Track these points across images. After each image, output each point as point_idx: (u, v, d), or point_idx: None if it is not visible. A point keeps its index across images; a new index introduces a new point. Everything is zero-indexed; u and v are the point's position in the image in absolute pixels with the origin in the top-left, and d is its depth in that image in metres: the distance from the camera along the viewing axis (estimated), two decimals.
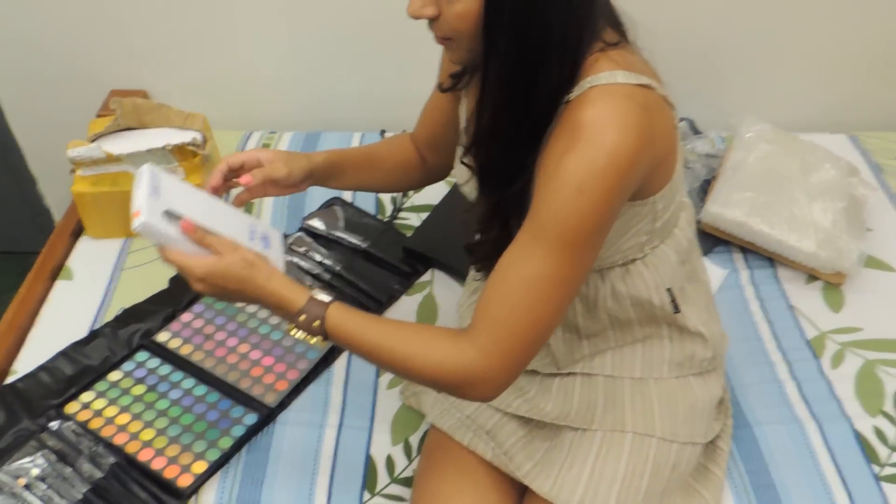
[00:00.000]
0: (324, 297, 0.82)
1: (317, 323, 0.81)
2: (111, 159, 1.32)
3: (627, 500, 0.91)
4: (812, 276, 1.33)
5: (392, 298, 1.28)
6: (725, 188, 1.37)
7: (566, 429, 0.97)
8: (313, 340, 0.82)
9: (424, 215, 1.44)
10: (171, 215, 0.81)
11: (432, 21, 0.77)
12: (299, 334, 0.82)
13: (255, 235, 0.89)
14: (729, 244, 1.39)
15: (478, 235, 0.89)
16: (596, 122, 0.72)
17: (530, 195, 0.78)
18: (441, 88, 0.97)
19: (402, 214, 1.46)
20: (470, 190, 0.93)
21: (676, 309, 0.93)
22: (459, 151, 0.94)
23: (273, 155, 0.95)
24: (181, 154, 1.33)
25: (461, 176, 0.95)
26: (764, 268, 1.36)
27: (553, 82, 0.75)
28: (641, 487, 0.92)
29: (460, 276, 1.29)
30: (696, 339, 0.96)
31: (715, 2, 1.56)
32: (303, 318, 0.81)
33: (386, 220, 1.44)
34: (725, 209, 1.34)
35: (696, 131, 1.57)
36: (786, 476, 1.04)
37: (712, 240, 1.38)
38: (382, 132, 1.65)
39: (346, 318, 0.81)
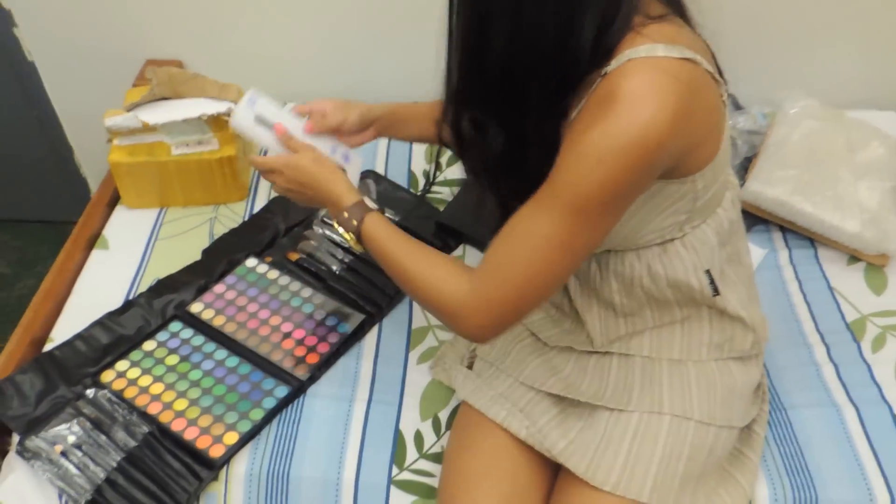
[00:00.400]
0: (371, 204, 0.93)
1: (354, 223, 0.92)
2: (147, 129, 1.33)
3: (664, 482, 0.90)
4: (854, 258, 1.30)
5: None
6: (767, 165, 1.33)
7: (601, 409, 0.96)
8: (349, 237, 0.94)
9: (457, 190, 1.42)
10: (261, 121, 1.01)
11: None
12: (340, 229, 0.95)
13: (337, 152, 1.05)
14: (768, 223, 1.35)
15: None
16: (629, 96, 0.70)
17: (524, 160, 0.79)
18: None
19: (434, 188, 1.45)
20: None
21: (716, 291, 0.91)
22: None
23: (332, 105, 1.05)
24: (216, 124, 1.33)
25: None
26: (804, 248, 1.32)
27: (504, 46, 0.73)
28: (679, 470, 0.91)
29: (484, 247, 1.28)
30: (736, 323, 0.94)
31: None
32: (345, 214, 0.93)
33: (419, 193, 1.43)
34: (766, 187, 1.30)
35: (737, 106, 1.53)
36: (821, 461, 1.02)
37: (752, 218, 1.35)
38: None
39: (378, 228, 0.91)
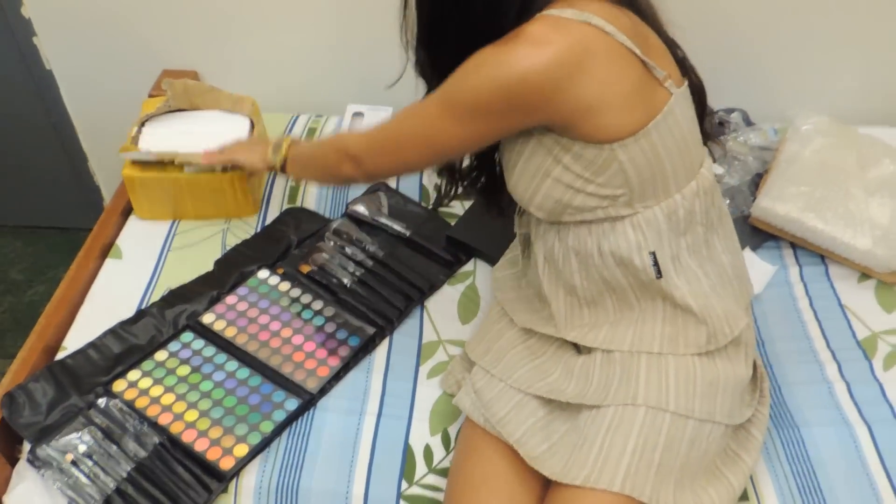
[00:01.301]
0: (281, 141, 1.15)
1: (278, 157, 1.14)
2: (161, 157, 1.33)
3: (638, 472, 0.90)
4: (865, 275, 1.29)
5: (434, 287, 1.28)
6: (779, 182, 1.33)
7: (584, 409, 0.97)
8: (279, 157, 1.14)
9: (468, 204, 1.43)
10: None
11: None
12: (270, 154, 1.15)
13: None
14: (779, 239, 1.35)
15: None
16: (522, 36, 0.81)
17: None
18: None
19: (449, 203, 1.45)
20: None
21: (659, 274, 0.92)
22: None
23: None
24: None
25: None
26: (815, 265, 1.32)
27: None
28: (654, 460, 0.90)
29: (494, 260, 1.28)
30: (689, 316, 0.95)
31: None
32: (270, 155, 1.15)
33: (430, 207, 1.43)
34: (777, 203, 1.30)
35: (748, 122, 1.53)
36: (834, 480, 1.02)
37: (762, 234, 1.35)
38: None
39: (295, 143, 1.14)
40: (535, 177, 0.91)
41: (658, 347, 0.95)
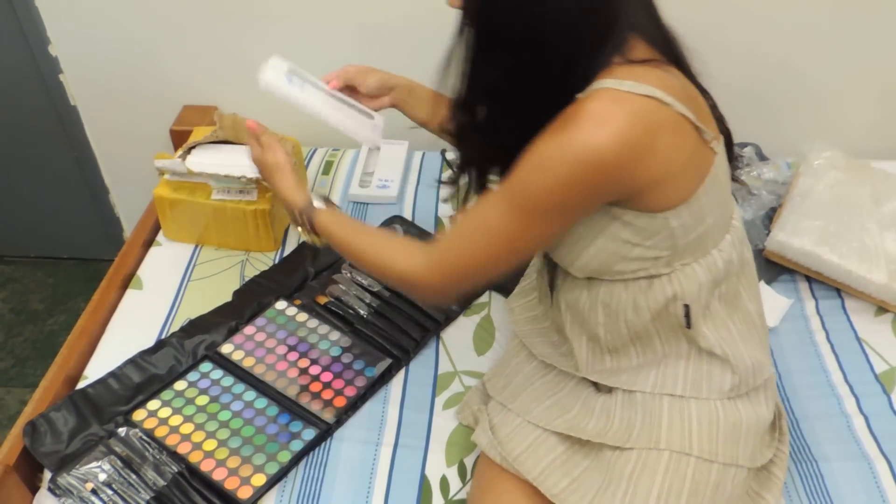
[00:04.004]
0: (318, 203, 1.03)
1: (306, 221, 1.03)
2: (191, 174, 1.37)
3: None
4: (881, 309, 1.29)
5: (449, 319, 1.29)
6: (793, 216, 1.34)
7: (606, 448, 0.96)
8: (306, 235, 1.05)
9: None
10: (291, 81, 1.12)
11: None
12: (298, 229, 1.06)
13: (358, 108, 1.15)
14: (794, 273, 1.35)
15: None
16: (585, 116, 0.77)
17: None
18: None
19: None
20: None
21: (688, 325, 0.92)
22: None
23: (355, 68, 1.16)
24: (257, 183, 1.37)
25: None
26: (831, 298, 1.32)
27: (505, 73, 0.80)
28: None
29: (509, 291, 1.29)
30: (714, 360, 0.94)
31: (784, 25, 1.53)
32: (297, 214, 1.04)
33: None
34: (793, 237, 1.31)
35: (762, 157, 1.54)
36: None
37: (777, 268, 1.35)
38: (443, 151, 1.67)
39: (331, 222, 1.02)
40: (579, 242, 0.89)
41: (681, 390, 0.95)
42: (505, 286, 1.32)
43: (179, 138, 1.64)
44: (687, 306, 0.90)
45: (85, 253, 2.09)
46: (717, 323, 0.94)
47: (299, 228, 1.05)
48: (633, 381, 0.96)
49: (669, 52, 0.85)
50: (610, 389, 0.99)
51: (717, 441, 0.93)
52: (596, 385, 1.01)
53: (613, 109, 0.76)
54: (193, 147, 1.41)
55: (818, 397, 1.16)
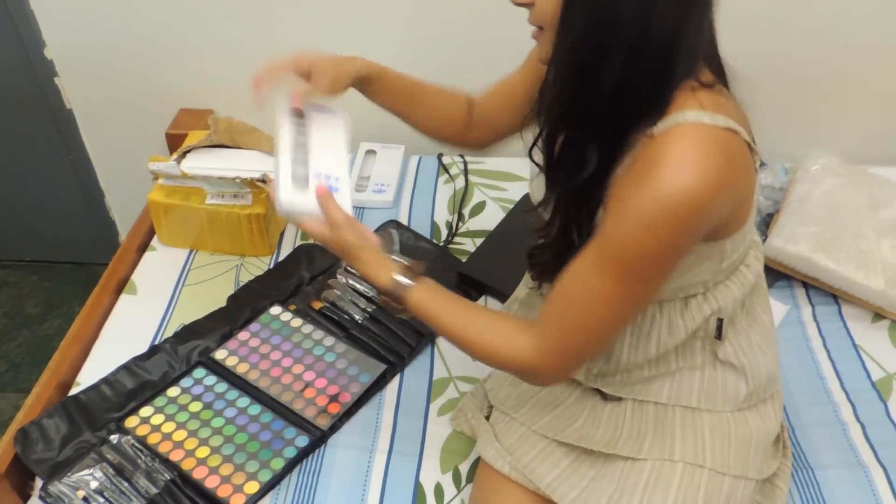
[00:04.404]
0: (406, 280, 0.91)
1: (399, 304, 0.92)
2: (185, 177, 1.36)
3: None
4: (878, 315, 1.29)
5: None
6: (790, 222, 1.33)
7: (615, 458, 0.96)
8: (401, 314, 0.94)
9: (479, 241, 1.44)
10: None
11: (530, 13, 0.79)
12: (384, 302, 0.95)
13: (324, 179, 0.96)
14: (791, 279, 1.35)
15: (540, 240, 0.91)
16: (676, 162, 0.72)
17: (597, 210, 0.80)
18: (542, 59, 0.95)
19: (457, 239, 1.46)
20: (537, 186, 0.94)
21: (719, 336, 0.91)
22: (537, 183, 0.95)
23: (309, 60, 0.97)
24: (251, 185, 1.37)
25: (531, 170, 0.95)
26: (827, 304, 1.31)
27: (621, 75, 0.74)
28: None
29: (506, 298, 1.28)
30: (728, 369, 0.93)
31: (781, 27, 1.53)
32: (386, 299, 0.93)
33: (441, 244, 1.45)
34: (789, 243, 1.30)
35: (759, 163, 1.53)
36: None
37: (774, 274, 1.34)
38: (440, 155, 1.66)
39: (424, 302, 0.91)
40: None
41: (696, 402, 0.94)
42: (501, 292, 1.32)
43: (175, 142, 1.63)
44: (721, 320, 0.90)
45: (80, 257, 2.08)
46: (739, 334, 0.93)
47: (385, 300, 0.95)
48: (647, 391, 0.95)
49: (718, 69, 0.82)
50: (618, 398, 0.98)
51: (729, 453, 0.92)
52: (602, 393, 0.99)
53: (703, 149, 0.73)
54: (188, 151, 1.41)
55: (815, 405, 1.16)
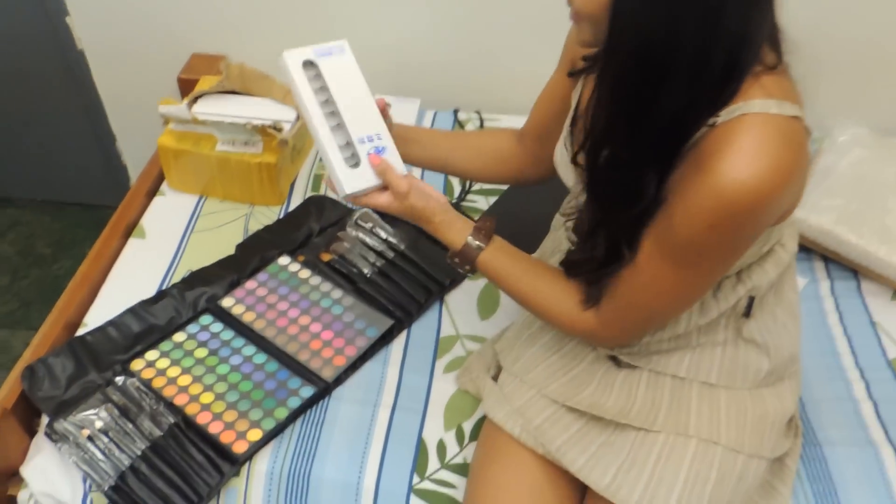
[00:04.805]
0: (476, 243, 0.92)
1: (478, 243, 0.93)
2: (196, 122, 1.34)
3: None
4: None
5: (454, 282, 1.27)
6: (813, 194, 1.30)
7: (628, 428, 0.95)
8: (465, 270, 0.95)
9: (492, 199, 1.41)
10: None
11: None
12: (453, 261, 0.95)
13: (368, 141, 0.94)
14: (811, 252, 1.32)
15: (572, 244, 0.90)
16: (741, 156, 0.69)
17: (650, 217, 0.78)
18: (569, 73, 0.95)
19: (470, 197, 1.44)
20: (577, 190, 0.92)
21: (747, 313, 0.89)
22: (561, 150, 0.92)
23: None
24: (263, 133, 1.34)
25: (568, 176, 0.94)
26: (847, 279, 1.29)
27: (682, 99, 0.70)
28: (704, 494, 0.89)
29: None
30: (750, 347, 0.92)
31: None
32: (456, 259, 0.94)
33: (453, 201, 1.42)
34: (811, 215, 1.27)
35: None
36: (855, 502, 0.99)
37: None
38: (456, 111, 1.63)
39: (492, 263, 0.93)
40: None
41: (715, 378, 0.92)
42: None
43: (187, 87, 1.61)
44: (752, 298, 0.88)
45: (91, 199, 2.08)
46: (765, 312, 0.91)
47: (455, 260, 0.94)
48: (666, 363, 0.93)
49: (778, 49, 0.77)
50: (633, 366, 0.96)
51: (745, 432, 0.91)
52: (615, 359, 0.98)
53: (771, 142, 0.69)
54: (199, 97, 1.38)
55: (827, 380, 1.14)
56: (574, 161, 0.87)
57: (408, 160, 1.03)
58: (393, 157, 0.93)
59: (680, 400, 0.93)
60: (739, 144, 0.69)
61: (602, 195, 0.82)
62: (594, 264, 0.85)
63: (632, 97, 0.73)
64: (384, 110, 0.96)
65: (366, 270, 1.27)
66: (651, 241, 0.79)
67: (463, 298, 1.26)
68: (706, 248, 0.75)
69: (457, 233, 0.92)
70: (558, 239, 1.04)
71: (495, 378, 1.08)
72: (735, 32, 0.69)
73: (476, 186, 1.45)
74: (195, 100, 1.37)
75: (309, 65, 0.91)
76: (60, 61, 1.75)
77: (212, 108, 1.36)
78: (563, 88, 0.99)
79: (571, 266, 0.90)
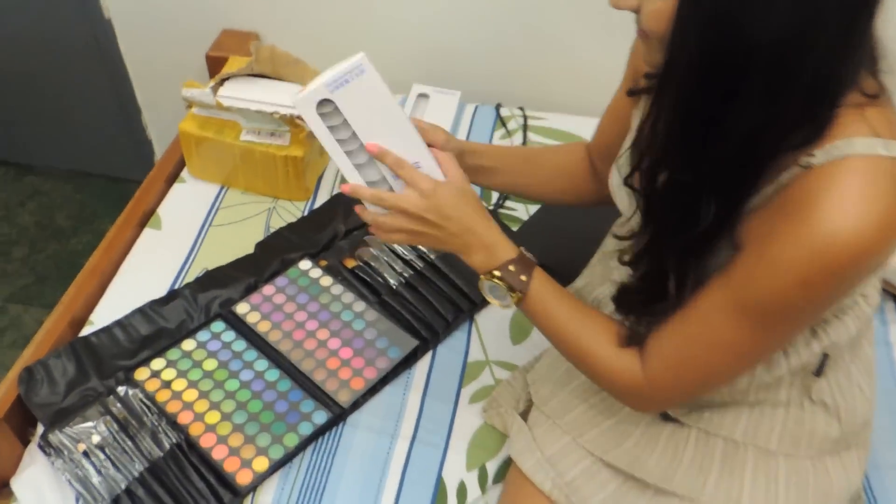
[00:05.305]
0: (531, 256, 0.81)
1: (523, 279, 0.79)
2: (220, 108, 1.25)
3: None
4: None
5: (486, 301, 1.17)
6: None
7: (671, 493, 0.85)
8: (504, 296, 0.80)
9: (532, 207, 1.31)
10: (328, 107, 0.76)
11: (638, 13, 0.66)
12: (494, 282, 0.80)
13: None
14: (884, 293, 1.20)
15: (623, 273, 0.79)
16: (844, 205, 0.59)
17: (702, 252, 0.67)
18: (629, 91, 0.84)
19: (508, 203, 1.33)
20: (620, 195, 0.82)
21: (819, 371, 0.78)
22: (615, 174, 0.83)
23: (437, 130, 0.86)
24: (291, 123, 1.25)
25: (622, 200, 0.83)
26: None
27: (754, 120, 0.60)
28: None
29: (563, 280, 1.16)
30: (818, 408, 0.81)
31: None
32: (511, 268, 0.79)
33: (490, 208, 1.32)
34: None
35: None
36: None
37: None
38: (498, 106, 1.52)
39: (545, 290, 0.80)
40: None
41: (775, 444, 0.82)
42: (553, 269, 1.19)
43: (216, 65, 1.52)
44: (826, 355, 0.78)
45: (115, 172, 2.01)
46: (839, 370, 0.80)
47: (489, 284, 0.81)
48: (719, 423, 0.83)
49: (876, 71, 0.66)
50: (681, 420, 0.86)
51: None
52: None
53: (878, 189, 0.59)
54: (227, 79, 1.29)
55: (895, 444, 1.03)
56: (627, 183, 0.77)
57: (482, 184, 0.94)
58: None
59: (733, 466, 0.83)
60: (841, 192, 0.59)
61: (655, 218, 0.72)
62: (642, 296, 0.76)
63: (692, 120, 0.63)
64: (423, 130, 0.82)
65: (392, 281, 1.18)
66: (722, 292, 0.68)
67: (494, 319, 1.16)
68: (792, 307, 0.65)
69: (506, 240, 0.81)
70: (610, 267, 0.93)
71: (525, 413, 0.98)
72: (827, 48, 0.58)
73: None
74: (221, 82, 1.28)
75: (325, 103, 0.77)
76: (87, 29, 1.67)
77: (238, 93, 1.27)
78: (625, 107, 0.88)
79: (623, 294, 0.80)
